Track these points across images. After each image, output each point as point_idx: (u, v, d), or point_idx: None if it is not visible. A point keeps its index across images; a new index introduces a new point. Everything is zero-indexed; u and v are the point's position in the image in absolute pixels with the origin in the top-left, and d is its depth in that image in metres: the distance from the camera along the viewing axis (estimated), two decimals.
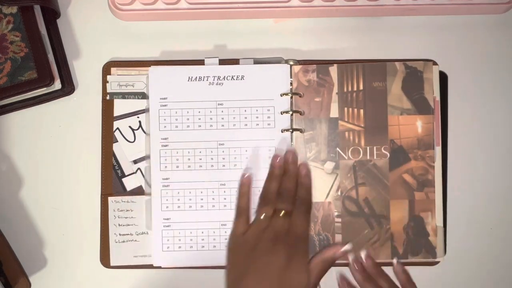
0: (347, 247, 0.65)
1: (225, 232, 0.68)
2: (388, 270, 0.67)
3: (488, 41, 0.72)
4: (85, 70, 0.72)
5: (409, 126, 0.69)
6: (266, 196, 0.65)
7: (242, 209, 0.66)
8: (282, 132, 0.68)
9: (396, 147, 0.68)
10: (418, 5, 0.70)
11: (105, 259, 0.69)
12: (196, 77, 0.69)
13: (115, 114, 0.70)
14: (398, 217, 0.68)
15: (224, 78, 0.69)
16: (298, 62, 0.70)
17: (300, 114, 0.68)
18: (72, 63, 0.72)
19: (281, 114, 0.68)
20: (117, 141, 0.70)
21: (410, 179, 0.68)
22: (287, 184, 0.66)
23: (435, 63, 0.69)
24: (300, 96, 0.69)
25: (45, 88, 0.68)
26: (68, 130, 0.71)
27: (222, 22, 0.72)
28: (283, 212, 0.63)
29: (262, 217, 0.63)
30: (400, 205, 0.68)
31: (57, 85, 0.69)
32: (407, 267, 0.66)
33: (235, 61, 0.70)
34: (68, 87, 0.71)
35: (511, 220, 0.71)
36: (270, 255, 0.61)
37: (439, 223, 0.68)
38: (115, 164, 0.69)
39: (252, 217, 0.65)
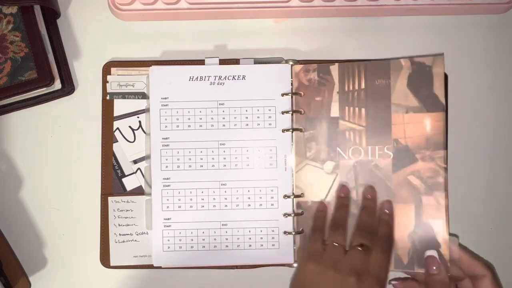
0: None
1: (226, 232, 0.68)
2: None
3: (488, 41, 0.72)
4: (85, 70, 0.72)
5: (416, 125, 0.66)
6: (337, 224, 0.63)
7: (318, 228, 0.64)
8: (283, 132, 0.68)
9: (401, 147, 0.66)
10: (418, 5, 0.70)
11: (105, 259, 0.69)
12: (197, 77, 0.69)
13: (115, 114, 0.70)
14: (402, 223, 0.65)
15: (225, 78, 0.69)
16: (298, 62, 0.70)
17: (300, 114, 0.68)
18: (72, 63, 0.72)
19: (282, 114, 0.68)
20: (117, 141, 0.70)
21: (417, 181, 0.65)
22: (366, 219, 0.64)
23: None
24: (300, 96, 0.69)
25: (45, 88, 0.68)
26: (68, 130, 0.71)
27: (222, 22, 0.72)
28: (362, 246, 0.60)
29: (336, 243, 0.61)
30: (404, 210, 0.65)
31: (57, 85, 0.69)
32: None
33: (235, 61, 0.70)
34: (68, 87, 0.70)
35: (511, 220, 0.71)
36: None
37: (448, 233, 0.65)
38: (115, 164, 0.69)
39: None
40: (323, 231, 0.64)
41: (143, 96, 0.70)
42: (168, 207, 0.68)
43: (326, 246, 0.61)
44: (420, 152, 0.65)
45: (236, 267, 0.69)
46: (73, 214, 0.70)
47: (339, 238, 0.62)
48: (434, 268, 0.62)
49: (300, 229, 0.68)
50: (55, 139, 0.71)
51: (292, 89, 0.69)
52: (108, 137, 0.70)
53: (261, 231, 0.68)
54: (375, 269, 0.59)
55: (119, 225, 0.69)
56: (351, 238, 0.62)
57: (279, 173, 0.68)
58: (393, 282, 0.67)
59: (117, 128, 0.70)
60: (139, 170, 0.69)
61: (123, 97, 0.70)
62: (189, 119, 0.68)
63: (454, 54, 0.72)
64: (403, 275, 0.68)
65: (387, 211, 0.64)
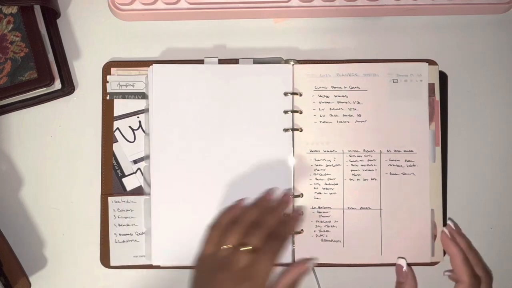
0: (310, 264, 0.64)
1: None
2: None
3: (488, 41, 0.72)
4: (85, 70, 0.72)
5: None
6: (242, 224, 0.63)
7: (218, 226, 0.64)
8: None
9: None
10: (418, 5, 0.70)
11: (105, 259, 0.69)
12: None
13: (115, 114, 0.70)
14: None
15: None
16: (298, 62, 0.70)
17: (300, 114, 0.68)
18: (72, 63, 0.72)
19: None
20: (117, 141, 0.70)
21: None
22: (268, 219, 0.64)
23: (435, 63, 0.69)
24: (300, 96, 0.69)
25: (45, 88, 0.68)
26: (68, 130, 0.71)
27: (222, 22, 0.72)
28: (249, 248, 0.60)
29: (227, 246, 0.61)
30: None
31: (57, 85, 0.69)
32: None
33: (234, 61, 0.70)
34: (68, 87, 0.71)
35: (511, 220, 0.71)
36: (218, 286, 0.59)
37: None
38: (115, 164, 0.69)
39: None
40: (221, 229, 0.63)
41: (143, 96, 0.70)
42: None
43: (217, 245, 0.62)
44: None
45: None
46: (73, 214, 0.70)
47: (232, 239, 0.62)
48: (403, 275, 0.65)
49: (300, 229, 0.68)
50: (55, 139, 0.71)
51: (292, 89, 0.69)
52: (108, 137, 0.70)
53: None
54: (251, 268, 0.59)
55: (119, 225, 0.69)
56: (244, 237, 0.62)
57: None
58: (447, 273, 0.66)
59: (117, 128, 0.70)
60: (139, 170, 0.69)
61: (123, 97, 0.70)
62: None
63: (454, 54, 0.72)
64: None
65: (295, 218, 0.66)
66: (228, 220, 0.64)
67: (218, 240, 0.62)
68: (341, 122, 0.69)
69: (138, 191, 0.69)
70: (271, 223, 0.63)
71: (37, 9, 0.70)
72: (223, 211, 0.66)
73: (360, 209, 0.68)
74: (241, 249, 0.60)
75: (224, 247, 0.61)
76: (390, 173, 0.68)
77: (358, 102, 0.69)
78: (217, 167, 0.68)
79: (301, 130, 0.68)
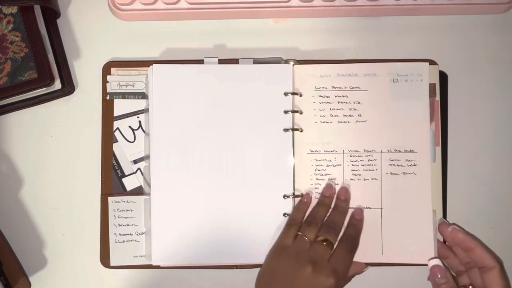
0: (367, 268, 0.67)
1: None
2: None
3: (488, 41, 0.72)
4: (85, 70, 0.72)
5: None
6: (313, 220, 0.65)
7: (295, 222, 0.66)
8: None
9: None
10: (418, 5, 0.70)
11: (105, 259, 0.69)
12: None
13: (115, 114, 0.70)
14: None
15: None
16: (298, 62, 0.70)
17: (300, 114, 0.68)
18: (72, 63, 0.72)
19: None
20: (117, 141, 0.70)
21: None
22: (335, 217, 0.66)
23: (435, 63, 0.69)
24: (300, 96, 0.69)
25: (45, 88, 0.68)
26: (68, 130, 0.71)
27: (222, 22, 0.73)
28: (326, 241, 0.63)
29: (306, 238, 0.63)
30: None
31: (57, 85, 0.69)
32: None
33: (234, 61, 0.70)
34: (68, 87, 0.71)
35: (511, 220, 0.71)
36: (307, 278, 0.61)
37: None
38: (115, 164, 0.69)
39: None
40: (298, 225, 0.66)
41: (143, 96, 0.70)
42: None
43: (295, 239, 0.64)
44: None
45: (236, 267, 0.69)
46: (73, 214, 0.70)
47: (310, 234, 0.64)
48: (440, 276, 0.65)
49: None
50: (55, 139, 0.71)
51: (292, 89, 0.69)
52: (108, 137, 0.70)
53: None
54: (335, 263, 0.62)
55: (119, 225, 0.69)
56: (318, 232, 0.64)
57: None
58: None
59: (117, 128, 0.70)
60: (139, 170, 0.69)
61: (123, 97, 0.70)
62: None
63: (454, 54, 0.72)
64: None
65: (357, 217, 0.67)
66: (302, 217, 0.66)
67: (296, 234, 0.64)
68: (341, 122, 0.69)
69: (138, 191, 0.69)
70: (341, 222, 0.66)
71: (37, 9, 0.70)
72: (296, 208, 0.67)
73: None
74: (324, 243, 0.63)
75: (306, 238, 0.63)
76: (391, 173, 0.68)
77: (359, 102, 0.69)
78: (217, 167, 0.68)
79: (301, 130, 0.68)
